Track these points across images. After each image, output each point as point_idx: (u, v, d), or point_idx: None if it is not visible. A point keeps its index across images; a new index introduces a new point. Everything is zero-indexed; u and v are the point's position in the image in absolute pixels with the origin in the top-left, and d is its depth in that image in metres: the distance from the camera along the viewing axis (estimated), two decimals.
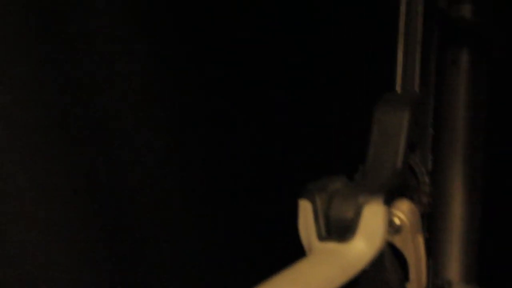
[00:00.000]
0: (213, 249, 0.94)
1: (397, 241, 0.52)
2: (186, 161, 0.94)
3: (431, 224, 0.55)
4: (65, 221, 0.86)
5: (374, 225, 0.48)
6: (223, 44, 0.93)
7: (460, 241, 0.69)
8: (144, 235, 0.91)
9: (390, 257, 0.52)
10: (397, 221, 0.51)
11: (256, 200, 0.95)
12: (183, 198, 0.94)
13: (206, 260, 0.94)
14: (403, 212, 0.51)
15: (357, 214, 0.48)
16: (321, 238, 0.49)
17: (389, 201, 0.49)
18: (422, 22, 0.55)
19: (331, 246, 0.48)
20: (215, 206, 0.95)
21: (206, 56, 0.93)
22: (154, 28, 0.91)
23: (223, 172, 0.96)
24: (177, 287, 0.92)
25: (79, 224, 0.87)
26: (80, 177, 0.87)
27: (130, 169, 0.90)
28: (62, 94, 0.86)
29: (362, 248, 0.48)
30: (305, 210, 0.50)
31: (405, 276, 0.53)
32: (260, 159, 0.96)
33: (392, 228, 0.51)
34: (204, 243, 0.94)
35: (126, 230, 0.90)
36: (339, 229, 0.49)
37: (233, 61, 0.94)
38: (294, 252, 0.49)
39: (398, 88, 0.56)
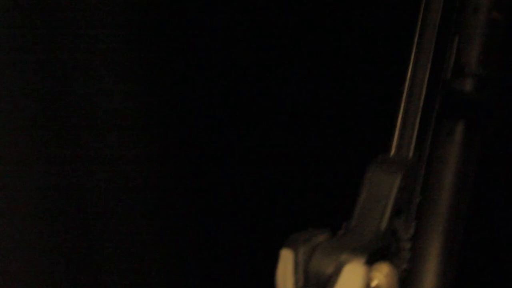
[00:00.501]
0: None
1: None
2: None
3: None
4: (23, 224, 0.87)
5: (353, 284, 0.49)
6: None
7: None
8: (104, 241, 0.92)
9: None
10: (374, 284, 0.52)
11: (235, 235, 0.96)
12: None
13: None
14: (382, 274, 0.52)
15: (337, 271, 0.49)
16: None
17: (370, 262, 0.49)
18: (425, 91, 0.57)
19: None
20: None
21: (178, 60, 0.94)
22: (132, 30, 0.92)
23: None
24: None
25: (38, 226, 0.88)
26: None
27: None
28: (26, 97, 0.87)
29: None
30: (286, 259, 0.50)
31: None
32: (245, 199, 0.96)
33: None
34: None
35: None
36: (317, 283, 0.49)
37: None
38: None
39: (392, 151, 0.57)
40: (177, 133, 0.95)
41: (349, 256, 0.49)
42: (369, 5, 0.94)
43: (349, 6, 0.94)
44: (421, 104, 0.56)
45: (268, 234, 0.78)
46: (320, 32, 0.95)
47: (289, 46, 0.96)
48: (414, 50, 0.57)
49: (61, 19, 0.88)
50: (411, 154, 0.56)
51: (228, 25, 0.94)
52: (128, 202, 0.92)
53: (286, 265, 0.50)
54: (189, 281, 0.95)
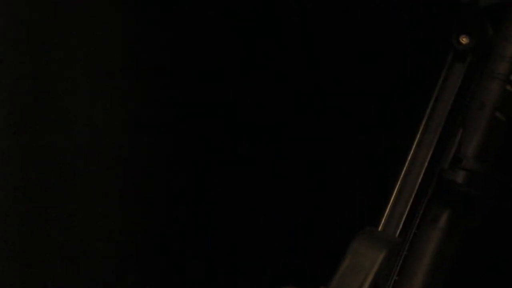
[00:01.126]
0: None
1: None
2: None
3: None
4: None
5: None
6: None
7: None
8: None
9: None
10: None
11: None
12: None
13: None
14: None
15: None
16: None
17: None
18: (421, 177, 0.59)
19: None
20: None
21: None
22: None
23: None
24: None
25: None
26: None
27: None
28: None
29: None
30: None
31: None
32: None
33: None
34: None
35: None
36: None
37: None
38: None
39: (380, 227, 0.58)
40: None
41: None
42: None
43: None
44: (415, 188, 0.59)
45: None
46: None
47: None
48: (419, 135, 0.60)
49: None
50: (397, 233, 0.58)
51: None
52: None
53: None
54: None
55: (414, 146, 0.60)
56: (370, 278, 0.55)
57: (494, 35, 0.62)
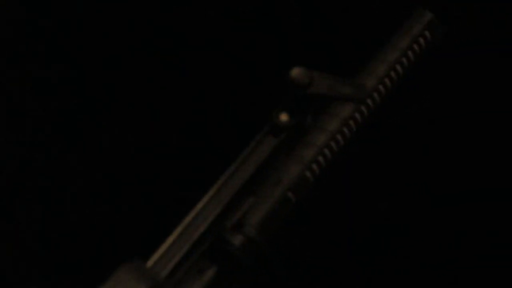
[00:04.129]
0: None
1: None
2: None
3: None
4: None
5: None
6: None
7: None
8: None
9: None
10: None
11: None
12: None
13: None
14: None
15: None
16: None
17: None
18: (202, 230, 0.61)
19: None
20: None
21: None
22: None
23: None
24: None
25: None
26: None
27: None
28: None
29: None
30: None
31: None
32: None
33: None
34: None
35: None
36: None
37: None
38: None
39: (150, 263, 0.60)
40: None
41: None
42: None
43: None
44: (195, 237, 0.60)
45: None
46: None
47: None
48: (214, 189, 0.62)
49: None
50: (164, 274, 0.59)
51: None
52: None
53: None
54: None
55: (206, 199, 0.62)
56: None
57: (311, 122, 0.65)
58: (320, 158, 0.64)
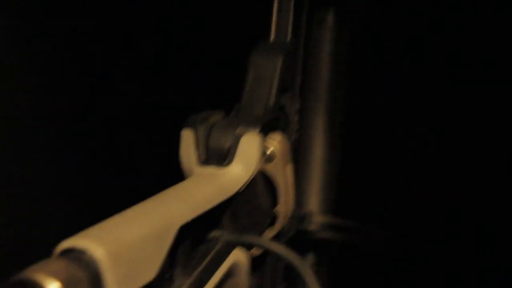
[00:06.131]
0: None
1: (269, 168, 0.56)
2: None
3: (296, 160, 0.58)
4: None
5: (250, 152, 0.53)
6: None
7: (320, 176, 0.70)
8: None
9: (262, 183, 0.56)
10: (270, 151, 0.56)
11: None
12: None
13: None
14: (276, 142, 0.56)
15: (235, 142, 0.53)
16: (201, 163, 0.53)
17: (263, 133, 0.54)
18: None
19: (211, 170, 0.53)
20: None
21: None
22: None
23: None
24: None
25: None
26: None
27: None
28: None
29: (238, 172, 0.53)
30: (188, 139, 0.54)
31: (274, 202, 0.57)
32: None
33: (265, 156, 0.55)
34: None
35: None
36: (218, 156, 0.53)
37: None
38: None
39: (272, 38, 0.62)
40: None
41: (244, 128, 0.53)
42: None
43: None
44: None
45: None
46: None
47: None
48: None
49: None
50: (288, 38, 0.62)
51: None
52: None
53: (188, 144, 0.54)
54: None
55: None
56: (275, 84, 0.58)
57: None
58: None
